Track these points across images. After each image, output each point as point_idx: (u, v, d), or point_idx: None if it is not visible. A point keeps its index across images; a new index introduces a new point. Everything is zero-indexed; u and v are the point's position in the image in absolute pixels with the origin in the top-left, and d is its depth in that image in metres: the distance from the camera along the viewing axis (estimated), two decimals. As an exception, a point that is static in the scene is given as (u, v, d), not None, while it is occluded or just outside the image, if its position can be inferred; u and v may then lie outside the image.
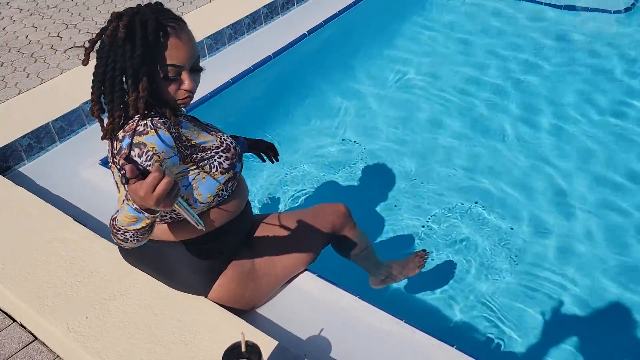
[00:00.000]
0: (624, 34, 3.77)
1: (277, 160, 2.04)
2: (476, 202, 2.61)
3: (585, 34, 3.80)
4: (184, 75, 1.40)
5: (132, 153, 1.30)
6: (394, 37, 3.91)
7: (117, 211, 1.34)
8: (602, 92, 3.26)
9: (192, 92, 1.43)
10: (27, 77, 3.11)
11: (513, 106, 3.23)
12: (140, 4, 1.40)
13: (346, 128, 3.15)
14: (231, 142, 1.57)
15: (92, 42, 1.38)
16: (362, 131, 3.12)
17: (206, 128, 1.58)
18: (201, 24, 3.33)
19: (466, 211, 2.57)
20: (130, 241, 1.35)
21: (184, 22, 1.42)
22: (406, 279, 2.18)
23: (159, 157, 1.33)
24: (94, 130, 2.70)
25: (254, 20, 3.52)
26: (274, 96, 3.27)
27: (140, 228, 1.31)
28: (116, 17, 1.35)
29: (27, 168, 2.50)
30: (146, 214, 1.26)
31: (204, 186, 1.50)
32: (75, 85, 2.87)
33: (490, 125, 3.11)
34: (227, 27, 3.35)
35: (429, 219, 2.56)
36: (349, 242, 1.91)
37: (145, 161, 1.30)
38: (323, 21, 3.60)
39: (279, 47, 3.32)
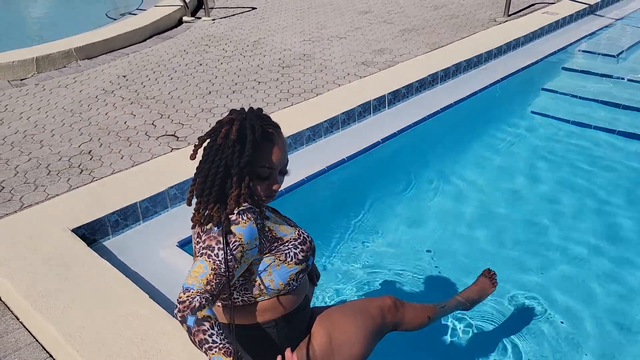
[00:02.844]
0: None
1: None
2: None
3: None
4: (274, 177, 1.54)
5: (221, 240, 1.41)
6: (461, 154, 4.02)
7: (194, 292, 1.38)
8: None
9: (277, 191, 1.57)
10: (121, 158, 3.39)
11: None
12: (243, 109, 1.57)
13: (405, 234, 3.19)
14: (307, 236, 1.67)
15: (202, 139, 1.54)
16: (418, 238, 3.15)
17: (286, 220, 1.70)
18: (284, 125, 3.56)
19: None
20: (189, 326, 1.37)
21: (280, 129, 1.58)
22: None
23: (243, 247, 1.44)
24: (176, 213, 2.88)
25: (331, 125, 3.74)
26: (342, 197, 3.38)
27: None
28: (228, 121, 1.51)
29: (111, 242, 2.67)
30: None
31: (277, 273, 1.57)
32: (164, 170, 3.11)
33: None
34: (307, 129, 3.58)
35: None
36: (412, 324, 1.96)
37: (232, 250, 1.41)
38: (397, 131, 3.77)
39: (353, 152, 3.49)
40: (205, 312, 1.35)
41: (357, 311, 1.84)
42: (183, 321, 1.36)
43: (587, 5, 6.20)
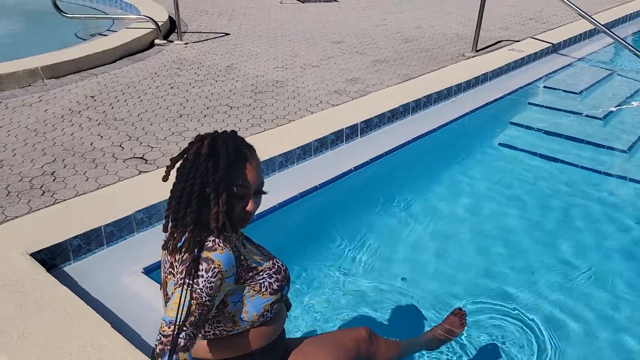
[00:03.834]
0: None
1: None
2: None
3: None
4: (249, 196, 1.49)
5: (200, 267, 1.35)
6: (432, 183, 4.05)
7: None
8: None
9: (253, 213, 1.51)
10: (86, 180, 3.28)
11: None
12: (216, 130, 1.53)
13: (378, 262, 3.17)
14: (282, 265, 1.63)
15: (174, 160, 1.49)
16: (392, 266, 3.13)
17: (259, 249, 1.65)
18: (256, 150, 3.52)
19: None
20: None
21: (254, 150, 1.55)
22: None
23: (222, 275, 1.38)
24: (142, 238, 2.79)
25: (304, 152, 3.72)
26: (314, 225, 3.34)
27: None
28: (199, 139, 1.47)
29: (72, 268, 2.55)
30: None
31: (252, 304, 1.52)
32: (131, 193, 3.01)
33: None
34: (280, 155, 3.54)
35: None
36: (383, 358, 1.92)
37: (210, 277, 1.34)
38: (369, 159, 3.77)
39: (325, 179, 3.47)
40: (186, 356, 1.28)
41: (332, 344, 1.79)
42: (161, 355, 1.27)
43: (550, 45, 6.43)
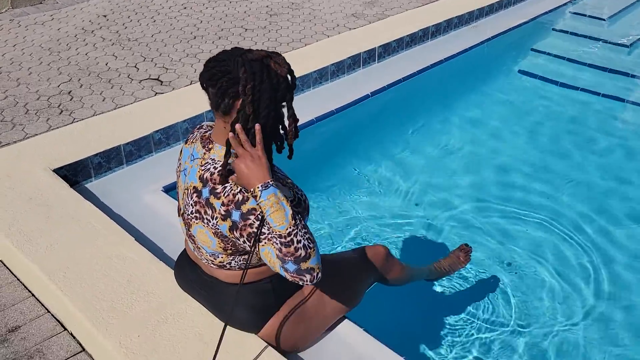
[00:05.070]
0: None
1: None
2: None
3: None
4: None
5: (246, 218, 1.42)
6: (449, 110, 4.00)
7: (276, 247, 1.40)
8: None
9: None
10: (103, 100, 3.28)
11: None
12: (244, 49, 1.47)
13: (392, 187, 3.20)
14: (302, 195, 1.62)
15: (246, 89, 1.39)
16: (405, 192, 3.17)
17: (279, 179, 1.63)
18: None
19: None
20: (309, 247, 1.39)
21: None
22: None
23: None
24: (160, 158, 2.82)
25: (321, 76, 3.67)
26: (330, 149, 3.35)
27: (292, 214, 1.39)
28: (266, 55, 1.42)
29: (94, 185, 2.61)
30: (270, 182, 1.39)
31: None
32: (148, 114, 3.02)
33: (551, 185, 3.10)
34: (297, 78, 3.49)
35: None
36: (393, 279, 1.98)
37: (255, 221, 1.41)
38: (387, 85, 3.72)
39: (342, 104, 3.44)
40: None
41: (351, 262, 1.84)
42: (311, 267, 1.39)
43: (580, -33, 6.11)
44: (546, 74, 4.41)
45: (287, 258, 1.37)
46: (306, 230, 1.42)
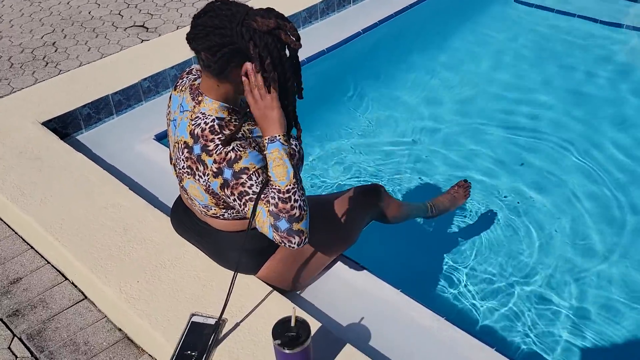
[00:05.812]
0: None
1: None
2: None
3: None
4: None
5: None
6: (445, 44, 3.91)
7: (269, 203, 1.39)
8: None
9: None
10: (89, 50, 3.21)
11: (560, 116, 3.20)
12: (242, 7, 1.38)
13: (388, 125, 3.18)
14: (295, 146, 1.57)
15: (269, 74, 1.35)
16: (403, 129, 3.15)
17: None
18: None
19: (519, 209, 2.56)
20: (303, 209, 1.39)
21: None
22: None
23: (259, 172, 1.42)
24: (150, 106, 2.79)
25: (310, 15, 3.57)
26: (323, 90, 3.30)
27: (294, 173, 1.39)
28: (276, 26, 1.34)
29: (85, 137, 2.59)
30: (278, 137, 1.38)
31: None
32: (135, 62, 2.96)
33: (539, 131, 3.08)
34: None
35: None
36: (390, 217, 1.99)
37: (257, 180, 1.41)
38: (378, 21, 3.62)
39: (333, 43, 3.36)
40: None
41: (345, 201, 1.84)
42: (300, 229, 1.40)
43: None
44: (542, 2, 4.28)
45: (281, 214, 1.37)
46: (303, 192, 1.42)
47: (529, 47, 3.91)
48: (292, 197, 1.38)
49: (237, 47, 1.33)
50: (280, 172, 1.38)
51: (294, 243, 1.40)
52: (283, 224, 1.38)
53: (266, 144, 1.40)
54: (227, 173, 1.39)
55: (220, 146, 1.40)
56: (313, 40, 3.39)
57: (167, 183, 2.16)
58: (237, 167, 1.39)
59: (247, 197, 1.41)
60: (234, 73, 1.38)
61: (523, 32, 4.10)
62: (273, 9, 1.37)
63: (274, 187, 1.39)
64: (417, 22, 3.86)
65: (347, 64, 3.45)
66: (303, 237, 1.41)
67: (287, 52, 1.37)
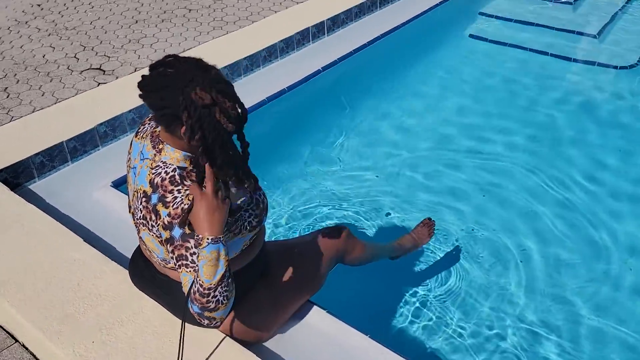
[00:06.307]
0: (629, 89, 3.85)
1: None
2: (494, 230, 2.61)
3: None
4: None
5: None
6: (403, 80, 3.98)
7: (193, 283, 1.33)
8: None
9: None
10: (42, 95, 3.13)
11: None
12: (189, 72, 1.30)
13: (348, 163, 3.18)
14: (260, 196, 1.55)
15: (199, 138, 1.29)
16: (365, 166, 3.15)
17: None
18: (218, 56, 3.39)
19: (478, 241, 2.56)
20: (222, 303, 1.34)
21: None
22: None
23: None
24: (107, 152, 2.72)
25: (270, 54, 3.58)
26: (284, 129, 3.29)
27: (224, 274, 1.32)
28: (211, 103, 1.27)
29: (38, 186, 2.49)
30: (222, 238, 1.32)
31: (231, 246, 1.48)
32: (91, 106, 2.89)
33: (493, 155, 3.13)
34: (244, 58, 3.40)
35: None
36: (356, 259, 1.97)
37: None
38: (338, 58, 3.66)
39: (293, 81, 3.37)
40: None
41: (310, 246, 1.81)
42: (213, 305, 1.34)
43: None
44: (496, 37, 4.42)
45: (196, 302, 1.33)
46: (227, 288, 1.34)
47: (483, 79, 4.02)
48: (211, 294, 1.32)
49: (174, 112, 1.29)
50: (209, 271, 1.31)
51: (204, 324, 1.38)
52: (195, 308, 1.35)
53: (207, 243, 1.31)
54: (177, 232, 1.34)
55: (178, 200, 1.35)
56: (274, 79, 3.40)
57: (126, 232, 2.08)
58: (189, 230, 1.34)
59: (183, 262, 1.35)
60: (180, 131, 1.32)
61: (478, 65, 4.21)
62: (220, 80, 1.31)
63: (198, 279, 1.32)
64: (376, 59, 3.92)
65: (308, 102, 3.45)
66: (214, 323, 1.38)
67: (225, 131, 1.30)
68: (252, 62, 3.48)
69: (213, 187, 1.33)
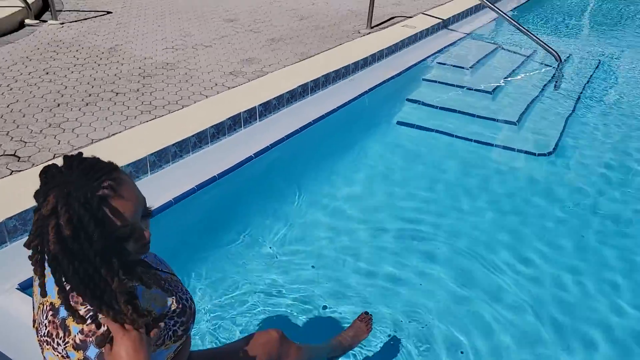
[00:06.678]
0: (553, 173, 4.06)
1: None
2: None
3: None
4: (138, 228, 1.21)
5: None
6: (334, 166, 4.00)
7: None
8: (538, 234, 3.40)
9: (148, 240, 1.26)
10: (-54, 185, 2.85)
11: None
12: (59, 169, 1.17)
13: (283, 254, 3.07)
14: (187, 300, 1.40)
15: (36, 260, 1.16)
16: (299, 258, 3.05)
17: (160, 282, 1.37)
18: (146, 141, 3.27)
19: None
20: None
21: (117, 169, 1.20)
22: None
23: None
24: (15, 249, 2.46)
25: (200, 140, 3.50)
26: (215, 219, 3.16)
27: None
28: (50, 213, 1.10)
29: None
30: None
31: (154, 358, 1.33)
32: (0, 197, 2.66)
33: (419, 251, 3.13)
34: (173, 144, 3.30)
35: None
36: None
37: None
38: (270, 144, 3.63)
39: (224, 168, 3.28)
40: None
41: (241, 354, 1.66)
42: None
43: (441, 20, 6.59)
44: (422, 123, 4.58)
45: None
46: None
47: (412, 164, 4.11)
48: None
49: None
50: None
51: None
52: None
53: None
54: (92, 352, 1.17)
55: (92, 314, 1.19)
56: (204, 165, 3.30)
57: (31, 341, 1.84)
58: (109, 348, 1.17)
59: None
60: None
61: (406, 151, 4.32)
62: (73, 190, 1.11)
63: None
64: (308, 144, 3.92)
65: (240, 190, 3.36)
66: None
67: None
68: (182, 149, 3.38)
69: (136, 321, 1.16)
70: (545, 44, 5.82)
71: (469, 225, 3.39)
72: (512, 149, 4.26)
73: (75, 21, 6.07)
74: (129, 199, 1.17)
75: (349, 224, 3.38)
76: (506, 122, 4.59)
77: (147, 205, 1.26)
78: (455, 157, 4.22)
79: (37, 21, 5.89)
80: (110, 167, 1.19)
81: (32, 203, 2.54)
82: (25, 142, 3.37)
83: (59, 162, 1.18)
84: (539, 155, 4.18)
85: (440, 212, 3.51)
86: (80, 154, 1.21)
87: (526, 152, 4.20)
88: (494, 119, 4.62)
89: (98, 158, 1.21)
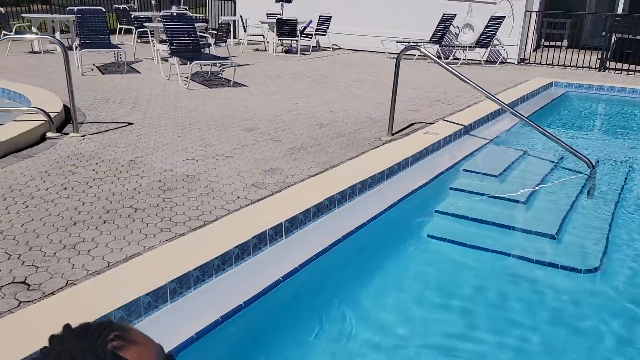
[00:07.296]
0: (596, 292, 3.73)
1: None
2: None
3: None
4: None
5: None
6: (372, 281, 3.71)
7: None
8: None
9: None
10: (-53, 320, 2.59)
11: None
12: (59, 348, 0.95)
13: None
14: None
15: None
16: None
17: None
18: (166, 265, 3.03)
19: None
20: None
21: (128, 327, 1.03)
22: None
23: None
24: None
25: (223, 262, 3.25)
26: (242, 354, 2.84)
27: None
28: None
29: None
30: None
31: None
32: (7, 337, 2.37)
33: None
34: (195, 269, 3.05)
35: None
36: None
37: None
38: (298, 265, 3.37)
39: (251, 295, 3.00)
40: None
41: None
42: None
43: (462, 126, 6.55)
44: (454, 237, 4.32)
45: None
46: None
47: (450, 284, 3.80)
48: None
49: None
50: None
51: None
52: None
53: None
54: None
55: None
56: (228, 291, 3.02)
57: None
58: None
59: None
60: None
61: (439, 270, 4.03)
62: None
63: None
64: (337, 265, 3.66)
65: (268, 319, 3.06)
66: None
67: None
68: (204, 272, 3.12)
69: None
70: (574, 149, 5.68)
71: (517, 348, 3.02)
72: (556, 265, 3.95)
73: (97, 133, 6.08)
74: (143, 343, 1.00)
75: (391, 349, 3.03)
76: (544, 234, 4.32)
77: (166, 352, 1.05)
78: (493, 276, 3.91)
79: (59, 134, 5.90)
80: (106, 322, 1.02)
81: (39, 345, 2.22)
82: (37, 267, 3.13)
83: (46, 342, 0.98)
84: (585, 272, 3.86)
85: (481, 339, 3.16)
86: (68, 324, 1.01)
87: (571, 269, 3.89)
88: (530, 232, 4.35)
89: (88, 322, 1.01)
